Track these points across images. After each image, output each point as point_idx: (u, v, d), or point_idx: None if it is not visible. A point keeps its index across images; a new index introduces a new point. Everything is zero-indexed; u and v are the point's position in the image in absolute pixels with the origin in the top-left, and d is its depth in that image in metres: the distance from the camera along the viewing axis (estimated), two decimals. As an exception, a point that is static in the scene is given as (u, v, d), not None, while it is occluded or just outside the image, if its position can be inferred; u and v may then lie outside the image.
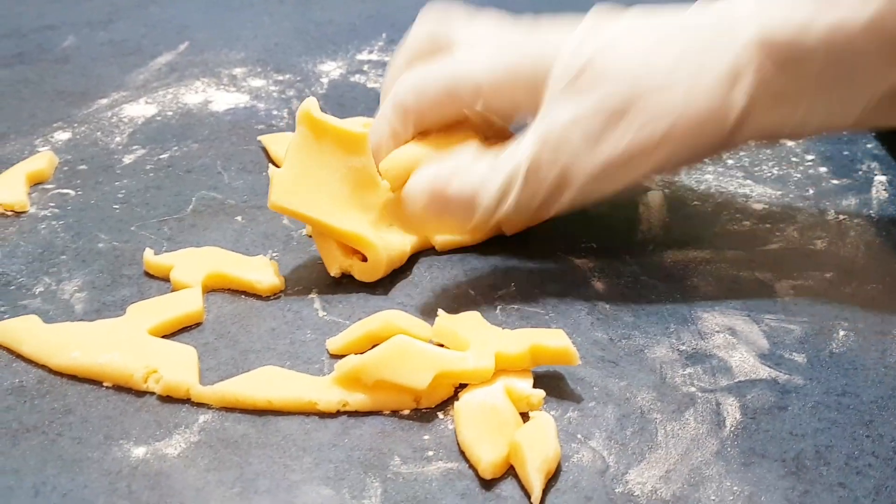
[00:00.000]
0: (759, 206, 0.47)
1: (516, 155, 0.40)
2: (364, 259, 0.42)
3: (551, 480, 0.33)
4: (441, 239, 0.44)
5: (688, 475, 0.33)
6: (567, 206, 0.41)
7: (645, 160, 0.40)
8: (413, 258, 0.43)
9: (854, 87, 0.39)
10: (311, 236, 0.43)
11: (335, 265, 0.42)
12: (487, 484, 0.33)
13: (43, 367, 0.37)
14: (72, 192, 0.48)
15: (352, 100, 0.57)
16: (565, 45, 0.41)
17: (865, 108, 0.39)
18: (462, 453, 0.34)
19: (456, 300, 0.41)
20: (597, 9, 0.42)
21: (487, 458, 0.33)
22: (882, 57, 0.38)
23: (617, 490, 0.32)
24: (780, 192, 0.48)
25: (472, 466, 0.33)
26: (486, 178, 0.40)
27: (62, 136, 0.52)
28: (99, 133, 0.53)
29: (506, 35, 0.44)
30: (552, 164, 0.40)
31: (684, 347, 0.38)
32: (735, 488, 0.32)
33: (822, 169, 0.50)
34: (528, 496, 0.32)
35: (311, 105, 0.41)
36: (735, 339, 0.39)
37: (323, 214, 0.41)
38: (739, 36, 0.39)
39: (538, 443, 0.33)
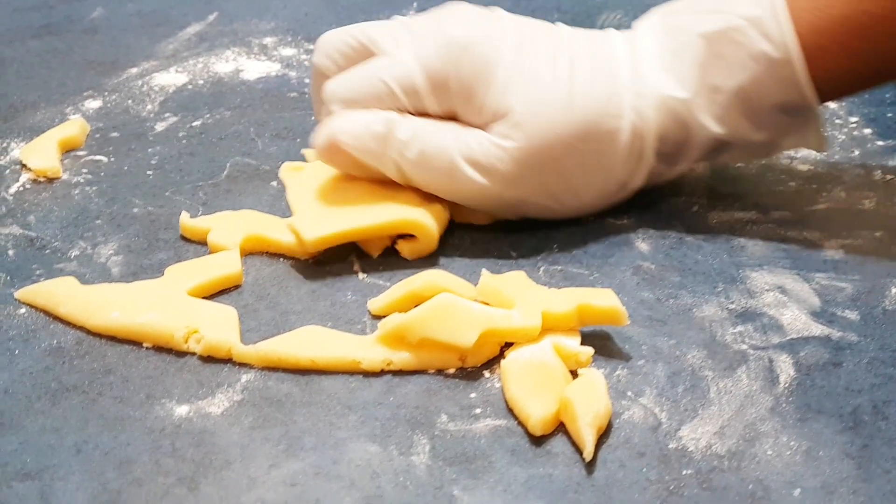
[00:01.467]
0: (804, 168, 0.46)
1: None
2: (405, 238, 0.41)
3: (602, 437, 0.32)
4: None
5: (743, 431, 0.32)
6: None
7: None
8: (451, 223, 0.43)
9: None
10: None
11: (374, 249, 0.41)
12: (537, 440, 0.32)
13: (81, 328, 0.37)
14: (104, 159, 0.47)
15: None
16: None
17: None
18: (510, 411, 0.33)
19: (497, 262, 0.40)
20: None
21: (537, 415, 0.32)
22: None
23: (670, 446, 0.32)
24: (824, 154, 0.47)
25: (521, 423, 0.33)
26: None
27: (93, 104, 0.52)
28: (130, 101, 0.52)
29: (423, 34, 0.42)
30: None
31: (733, 306, 0.37)
32: (792, 443, 0.32)
33: (867, 131, 0.49)
34: (580, 452, 0.31)
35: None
36: (786, 298, 0.38)
37: (361, 221, 0.40)
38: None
39: (589, 398, 0.32)
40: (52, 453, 0.32)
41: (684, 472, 0.31)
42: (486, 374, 0.35)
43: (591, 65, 0.40)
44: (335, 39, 0.42)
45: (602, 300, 0.36)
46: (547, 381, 0.33)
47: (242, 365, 0.35)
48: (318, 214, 0.40)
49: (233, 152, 0.48)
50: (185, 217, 0.42)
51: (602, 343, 0.36)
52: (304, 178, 0.42)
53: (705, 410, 0.33)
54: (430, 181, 0.40)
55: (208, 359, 0.35)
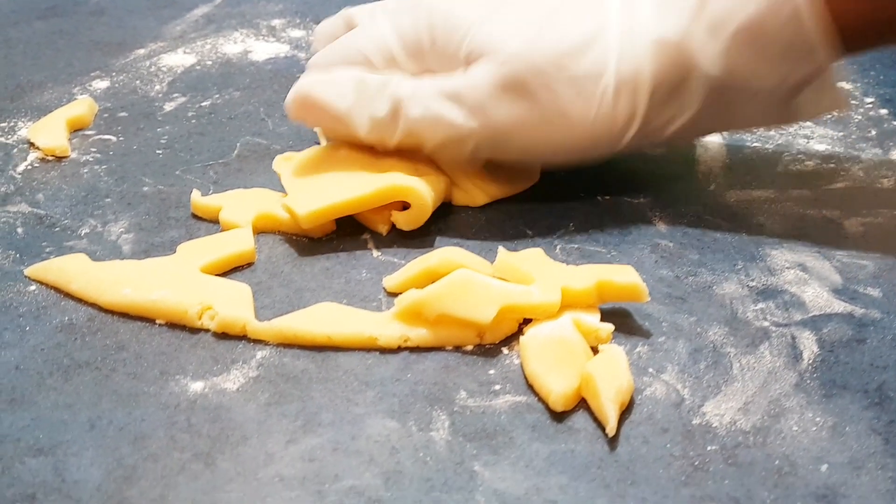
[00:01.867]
0: (821, 147, 0.45)
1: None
2: (403, 209, 0.40)
3: (624, 413, 0.31)
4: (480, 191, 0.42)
5: (767, 407, 0.32)
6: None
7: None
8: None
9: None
10: None
11: (380, 225, 0.40)
12: (558, 416, 0.32)
13: (93, 305, 0.36)
14: (113, 138, 0.47)
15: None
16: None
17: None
18: (530, 387, 0.33)
19: (513, 239, 0.40)
20: None
21: (558, 390, 0.32)
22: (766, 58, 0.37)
23: (694, 422, 0.31)
24: (841, 134, 0.46)
25: (541, 399, 0.32)
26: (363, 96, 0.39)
27: (101, 84, 0.51)
28: (138, 82, 0.52)
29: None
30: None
31: (754, 284, 0.37)
32: (818, 419, 0.31)
33: (883, 111, 0.48)
34: (602, 428, 0.31)
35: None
36: (807, 275, 0.37)
37: (353, 192, 0.39)
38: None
39: (611, 374, 0.32)
40: (66, 429, 0.31)
41: (709, 448, 0.30)
42: (505, 350, 0.34)
43: (576, 4, 0.39)
44: (326, 26, 0.44)
45: (622, 276, 0.35)
46: (567, 357, 0.33)
47: (257, 342, 0.35)
48: (310, 191, 0.40)
49: (243, 132, 0.47)
50: (196, 195, 0.41)
51: (621, 320, 0.35)
52: (296, 164, 0.42)
53: (728, 387, 0.32)
54: (406, 127, 0.39)
55: (222, 335, 0.35)
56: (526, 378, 0.33)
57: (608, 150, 0.39)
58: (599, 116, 0.38)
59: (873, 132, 0.46)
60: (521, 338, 0.34)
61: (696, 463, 0.30)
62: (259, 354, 0.34)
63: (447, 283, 0.34)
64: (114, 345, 0.35)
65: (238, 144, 0.46)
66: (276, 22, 0.58)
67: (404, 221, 0.40)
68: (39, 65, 0.53)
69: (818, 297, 0.36)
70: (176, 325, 0.35)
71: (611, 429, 0.30)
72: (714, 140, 0.46)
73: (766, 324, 0.35)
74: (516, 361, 0.34)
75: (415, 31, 0.40)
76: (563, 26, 0.38)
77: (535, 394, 0.32)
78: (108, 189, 0.43)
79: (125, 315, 0.36)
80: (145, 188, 0.43)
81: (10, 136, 0.47)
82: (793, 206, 0.41)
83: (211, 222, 0.41)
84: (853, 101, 0.49)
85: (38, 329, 0.35)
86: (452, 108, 0.38)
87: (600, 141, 0.39)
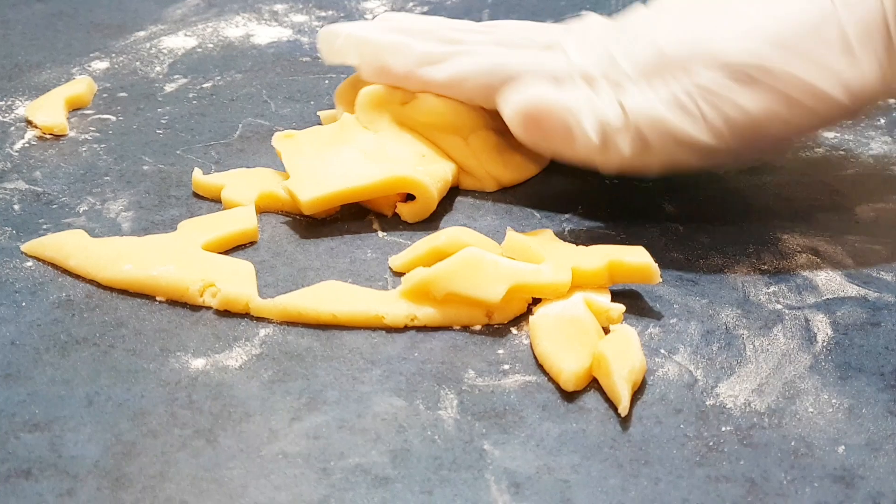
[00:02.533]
0: (830, 135, 0.45)
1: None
2: (405, 200, 0.39)
3: (637, 393, 0.31)
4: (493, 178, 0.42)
5: (782, 388, 0.31)
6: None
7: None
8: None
9: None
10: None
11: (385, 209, 0.39)
12: (569, 396, 0.31)
13: (91, 281, 0.35)
14: (112, 118, 0.46)
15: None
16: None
17: None
18: (540, 367, 0.32)
19: (521, 221, 0.39)
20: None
21: (570, 369, 0.31)
22: None
23: (707, 403, 0.31)
24: (850, 122, 0.46)
25: (551, 379, 0.31)
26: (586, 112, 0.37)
27: (100, 65, 0.50)
28: (138, 63, 0.51)
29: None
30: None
31: (766, 267, 0.36)
32: (833, 401, 0.31)
33: (891, 100, 0.48)
34: (614, 408, 0.30)
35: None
36: (819, 259, 0.37)
37: (357, 180, 0.38)
38: None
39: (623, 353, 0.31)
40: (63, 404, 0.30)
41: (723, 429, 0.30)
42: (514, 331, 0.33)
43: None
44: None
45: (634, 257, 0.34)
46: (579, 336, 0.32)
47: (260, 319, 0.34)
48: (313, 176, 0.39)
49: (245, 113, 0.46)
50: (197, 174, 0.40)
51: (632, 302, 0.34)
52: (298, 143, 0.41)
53: (742, 368, 0.32)
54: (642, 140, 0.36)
55: (224, 313, 0.34)
56: (536, 358, 0.32)
57: (866, 101, 0.37)
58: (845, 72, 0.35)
59: (882, 121, 0.46)
60: (531, 317, 0.34)
61: (711, 443, 0.29)
62: (262, 332, 0.33)
63: (456, 262, 0.33)
64: (113, 321, 0.34)
65: (240, 125, 0.45)
66: (279, 7, 0.57)
67: (409, 213, 0.39)
68: (38, 45, 0.52)
69: (831, 280, 0.36)
70: (177, 303, 0.34)
71: (623, 408, 0.30)
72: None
73: (778, 306, 0.34)
74: (525, 342, 0.33)
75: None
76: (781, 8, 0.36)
77: (546, 373, 0.32)
78: (108, 167, 0.42)
79: (125, 292, 0.35)
80: (145, 167, 0.42)
81: (7, 115, 0.46)
82: (803, 192, 0.41)
83: (213, 201, 0.40)
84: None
85: (34, 305, 0.34)
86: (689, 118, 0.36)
87: (856, 95, 0.36)
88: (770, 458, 0.29)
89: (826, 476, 0.28)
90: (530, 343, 0.33)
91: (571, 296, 0.34)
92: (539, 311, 0.34)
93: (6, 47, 0.52)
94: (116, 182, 0.41)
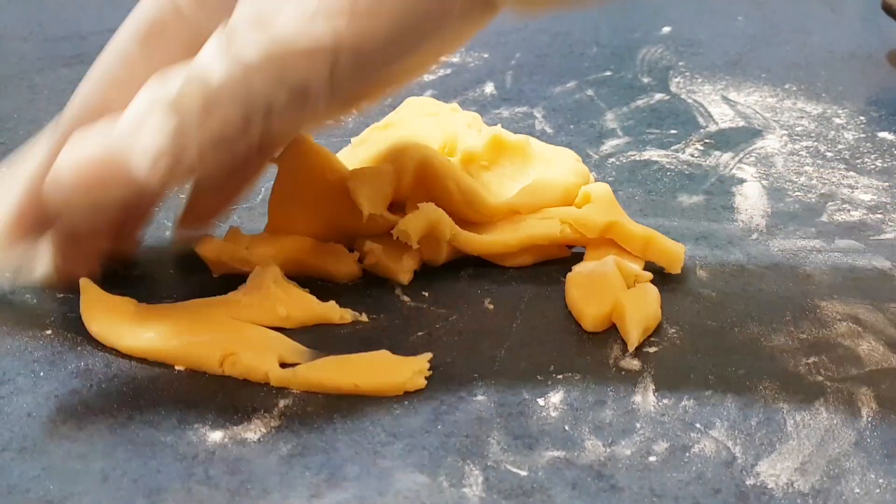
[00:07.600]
0: (866, 197, 0.44)
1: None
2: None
3: (673, 471, 0.29)
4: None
5: (826, 467, 0.29)
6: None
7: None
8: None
9: None
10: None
11: (400, 274, 0.38)
12: (599, 473, 0.29)
13: (111, 350, 0.35)
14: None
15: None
16: None
17: None
18: (569, 310, 0.36)
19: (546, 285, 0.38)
20: None
21: (592, 313, 0.35)
22: None
23: (748, 482, 0.29)
24: (887, 184, 0.45)
25: (575, 321, 0.35)
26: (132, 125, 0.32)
27: (125, 129, 0.51)
28: (163, 126, 0.51)
29: None
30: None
31: (805, 336, 0.35)
32: (881, 481, 0.29)
33: (930, 162, 0.47)
34: (650, 488, 0.28)
35: None
36: (860, 328, 0.35)
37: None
38: None
39: (640, 303, 0.35)
40: (78, 480, 0.30)
41: (764, 511, 0.28)
42: (540, 402, 0.32)
43: None
44: None
45: (670, 242, 0.38)
46: (605, 287, 0.36)
47: (280, 389, 0.33)
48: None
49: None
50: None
51: (665, 373, 0.33)
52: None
53: (783, 445, 0.30)
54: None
55: (243, 383, 0.33)
56: (566, 305, 0.36)
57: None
58: None
59: (921, 182, 0.45)
60: (568, 274, 0.37)
61: (752, 527, 0.28)
62: (282, 403, 0.32)
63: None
64: (131, 391, 0.33)
65: (262, 189, 0.45)
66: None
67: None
68: (63, 110, 0.53)
69: (874, 350, 0.34)
70: (196, 372, 0.34)
71: (631, 344, 0.34)
72: (753, 188, 0.45)
73: (819, 378, 0.33)
74: (553, 414, 0.32)
75: None
76: None
77: (573, 317, 0.36)
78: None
79: (143, 361, 0.34)
80: (167, 232, 0.42)
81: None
82: (841, 257, 0.39)
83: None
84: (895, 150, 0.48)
85: (52, 375, 0.34)
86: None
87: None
88: (815, 542, 0.27)
89: (876, 563, 0.27)
90: (565, 293, 0.37)
91: (606, 257, 0.38)
92: (576, 268, 0.38)
93: (32, 112, 0.53)
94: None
